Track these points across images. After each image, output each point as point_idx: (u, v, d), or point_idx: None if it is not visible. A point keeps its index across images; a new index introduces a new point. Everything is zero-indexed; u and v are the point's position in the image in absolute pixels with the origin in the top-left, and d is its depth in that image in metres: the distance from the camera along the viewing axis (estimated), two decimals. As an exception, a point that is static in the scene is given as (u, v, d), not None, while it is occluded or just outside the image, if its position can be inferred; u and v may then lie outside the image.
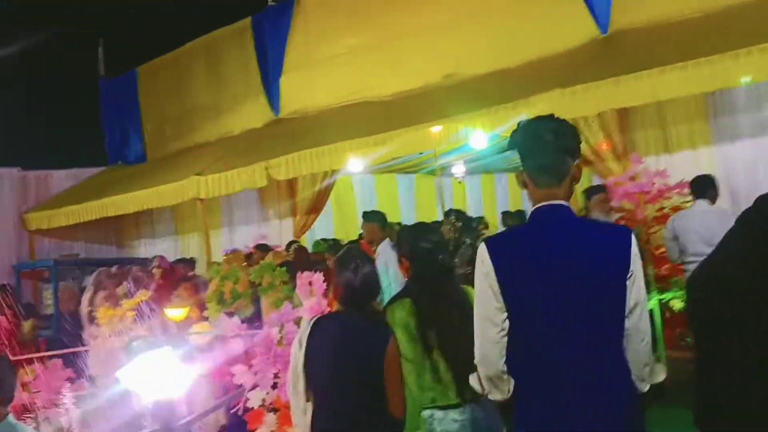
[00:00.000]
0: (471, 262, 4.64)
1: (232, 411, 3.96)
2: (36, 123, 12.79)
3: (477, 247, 2.39)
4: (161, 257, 9.26)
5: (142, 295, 7.85)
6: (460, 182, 12.88)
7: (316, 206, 10.58)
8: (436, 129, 7.85)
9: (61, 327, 10.65)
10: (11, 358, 7.50)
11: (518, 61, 8.62)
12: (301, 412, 3.14)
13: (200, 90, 12.49)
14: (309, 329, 3.15)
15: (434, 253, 3.26)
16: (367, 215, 7.03)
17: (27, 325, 9.86)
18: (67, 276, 11.56)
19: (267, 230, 11.31)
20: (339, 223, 12.27)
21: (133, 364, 3.08)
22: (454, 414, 3.05)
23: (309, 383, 3.12)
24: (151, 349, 3.21)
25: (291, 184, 10.75)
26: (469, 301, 2.73)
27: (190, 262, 9.94)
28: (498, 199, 14.20)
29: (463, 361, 2.62)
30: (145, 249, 13.31)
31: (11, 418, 3.05)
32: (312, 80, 10.78)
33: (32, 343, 9.53)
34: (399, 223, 8.52)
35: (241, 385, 3.88)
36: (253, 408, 4.17)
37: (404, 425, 3.04)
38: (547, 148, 2.35)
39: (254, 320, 6.66)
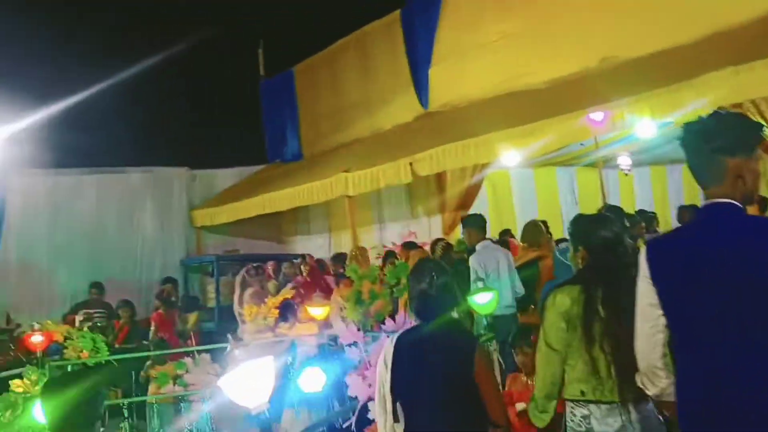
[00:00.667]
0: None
1: (345, 425, 3.70)
2: (203, 124, 13.48)
3: (632, 248, 2.48)
4: (309, 255, 9.33)
5: (286, 292, 7.90)
6: (626, 175, 11.88)
7: (465, 202, 10.17)
8: (595, 116, 7.15)
9: (222, 320, 11.15)
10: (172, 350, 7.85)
11: (684, 40, 7.66)
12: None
13: (352, 86, 12.50)
14: (393, 347, 2.88)
15: (612, 243, 3.19)
16: (465, 221, 7.14)
17: (191, 317, 10.34)
18: (228, 271, 12.05)
19: (416, 227, 11.09)
20: (495, 219, 11.70)
21: (234, 373, 2.92)
22: (607, 411, 2.93)
23: (399, 403, 2.97)
24: (251, 357, 3.04)
25: (440, 180, 10.43)
26: None
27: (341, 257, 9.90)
28: (670, 192, 12.98)
29: (625, 358, 2.60)
30: (301, 245, 13.60)
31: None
32: (461, 70, 10.37)
33: (195, 335, 9.98)
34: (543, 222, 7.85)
35: (355, 397, 3.60)
36: (374, 421, 3.89)
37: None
38: (696, 151, 2.35)
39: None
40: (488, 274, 6.25)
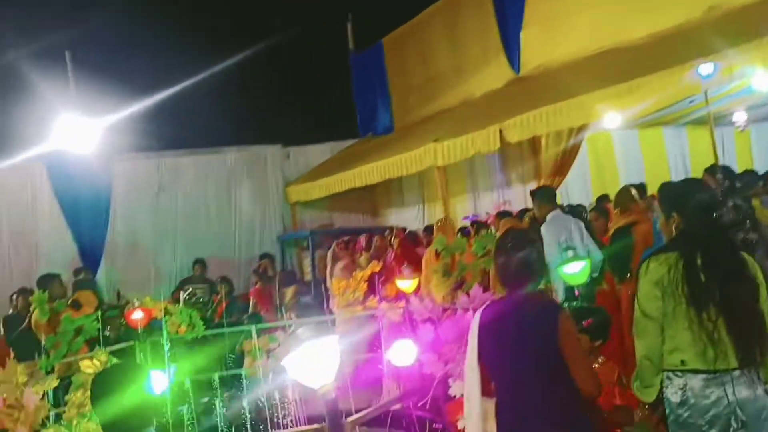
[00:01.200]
0: (733, 225, 3.88)
1: (420, 404, 3.56)
2: (296, 101, 13.59)
3: (743, 209, 2.39)
4: (399, 227, 9.21)
5: (374, 266, 7.82)
6: (742, 132, 11.03)
7: (561, 168, 9.72)
8: (704, 69, 6.56)
9: (318, 293, 11.26)
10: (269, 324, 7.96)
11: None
12: (477, 408, 2.84)
13: (441, 55, 12.20)
14: (478, 319, 2.69)
15: (708, 206, 3.04)
16: (534, 193, 6.89)
17: (289, 292, 10.49)
18: (324, 245, 12.15)
19: (511, 196, 10.76)
20: (598, 184, 11.20)
21: (298, 352, 2.82)
22: (707, 381, 2.82)
23: (488, 376, 2.85)
24: (317, 336, 2.94)
25: (534, 146, 10.03)
26: (748, 267, 2.77)
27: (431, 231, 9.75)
28: (795, 148, 11.96)
29: (738, 322, 2.56)
30: (395, 217, 13.54)
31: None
32: (554, 32, 9.85)
33: (293, 309, 10.12)
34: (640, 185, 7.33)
35: (431, 374, 3.45)
36: (454, 397, 3.74)
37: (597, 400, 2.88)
38: None
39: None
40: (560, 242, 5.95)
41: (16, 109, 10.34)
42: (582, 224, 6.45)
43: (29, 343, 6.89)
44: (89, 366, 3.61)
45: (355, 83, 14.57)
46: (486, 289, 4.66)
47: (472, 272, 6.17)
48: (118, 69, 11.26)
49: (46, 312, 6.35)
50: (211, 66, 12.15)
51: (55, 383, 3.81)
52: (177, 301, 10.67)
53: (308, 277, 11.97)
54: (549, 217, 6.42)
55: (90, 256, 11.11)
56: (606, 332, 3.72)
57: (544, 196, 6.66)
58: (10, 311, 8.75)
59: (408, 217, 13.13)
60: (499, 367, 2.82)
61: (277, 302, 9.93)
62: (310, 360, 2.82)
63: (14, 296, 8.90)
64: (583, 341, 3.26)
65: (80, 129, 10.69)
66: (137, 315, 7.48)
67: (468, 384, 2.79)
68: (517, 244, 3.02)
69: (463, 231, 8.61)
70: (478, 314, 2.87)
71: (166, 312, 7.56)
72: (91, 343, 7.20)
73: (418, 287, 7.37)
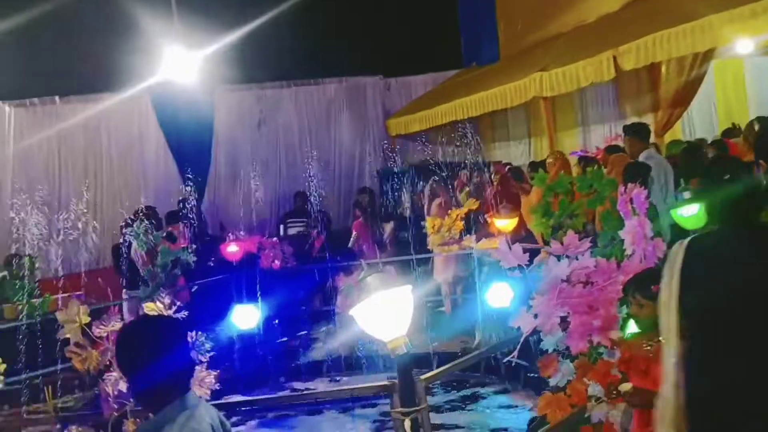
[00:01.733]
0: None
1: (506, 359, 3.24)
2: (398, 30, 13.09)
3: None
4: (501, 163, 8.74)
5: (471, 204, 7.46)
6: None
7: (683, 98, 8.83)
8: None
9: (417, 230, 11.04)
10: (367, 261, 7.81)
11: None
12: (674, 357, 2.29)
13: (553, -25, 11.32)
14: (682, 253, 2.26)
15: None
16: (626, 128, 6.63)
17: (387, 227, 10.33)
18: (423, 179, 11.84)
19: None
20: (725, 116, 10.22)
21: (367, 302, 2.58)
22: None
23: (686, 321, 2.28)
24: (385, 285, 2.67)
25: (653, 74, 9.16)
26: None
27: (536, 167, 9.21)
28: None
29: None
30: (499, 152, 13.00)
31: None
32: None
33: (392, 245, 9.97)
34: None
35: (518, 328, 3.12)
36: (547, 352, 3.40)
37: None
38: None
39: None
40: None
41: (121, 43, 10.46)
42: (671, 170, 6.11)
43: (134, 274, 7.10)
44: (153, 309, 3.52)
45: (460, 10, 13.89)
46: (585, 235, 4.22)
47: (578, 213, 5.69)
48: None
49: (143, 243, 6.45)
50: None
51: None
52: (278, 234, 10.83)
53: (407, 212, 11.72)
54: (643, 156, 6.00)
55: (194, 186, 11.30)
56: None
57: (638, 132, 6.30)
58: (121, 240, 9.04)
59: (514, 153, 12.57)
60: (707, 310, 2.29)
61: (377, 237, 9.81)
62: (379, 311, 2.58)
63: (122, 227, 9.22)
64: (649, 309, 2.72)
65: (183, 60, 10.78)
66: (232, 248, 7.57)
67: (665, 325, 2.30)
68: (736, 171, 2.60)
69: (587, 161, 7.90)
70: (682, 244, 2.34)
71: (260, 247, 7.62)
72: (188, 275, 7.40)
73: (518, 227, 6.98)
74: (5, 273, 9.13)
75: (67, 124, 10.58)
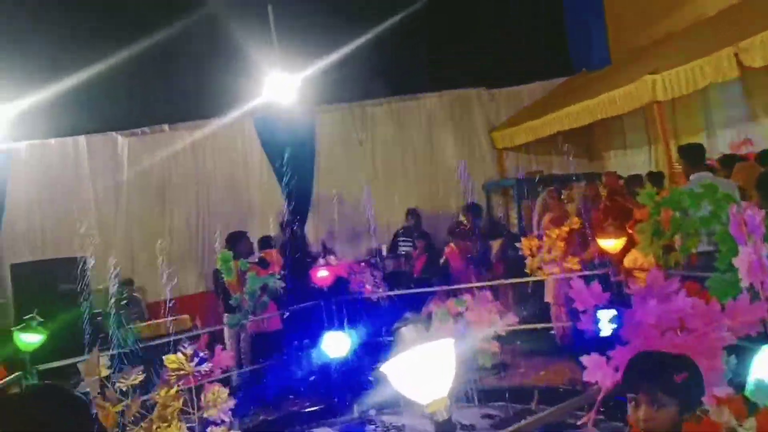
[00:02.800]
0: None
1: (580, 422, 2.75)
2: (502, 39, 12.58)
3: None
4: (611, 173, 8.04)
5: (573, 222, 6.87)
6: None
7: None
8: None
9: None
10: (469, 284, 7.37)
11: None
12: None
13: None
14: None
15: None
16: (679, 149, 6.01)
17: (495, 244, 9.84)
18: (532, 193, 11.25)
19: (755, 132, 9.01)
20: None
21: (402, 357, 2.21)
22: None
23: None
24: (422, 338, 2.29)
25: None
26: None
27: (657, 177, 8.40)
28: None
29: None
30: (616, 162, 12.18)
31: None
32: None
33: (499, 263, 9.45)
34: None
35: (594, 383, 2.63)
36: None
37: None
38: None
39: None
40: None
41: (224, 69, 10.68)
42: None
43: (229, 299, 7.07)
44: (174, 361, 3.31)
45: (567, 14, 13.21)
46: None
47: (688, 232, 5.03)
48: (315, 21, 11.12)
49: (229, 270, 6.38)
50: (407, 6, 11.63)
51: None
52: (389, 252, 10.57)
53: (515, 228, 11.17)
54: (693, 177, 5.51)
55: (297, 208, 11.32)
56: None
57: (687, 154, 5.81)
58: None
59: (633, 161, 11.69)
60: None
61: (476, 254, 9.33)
62: (416, 369, 2.21)
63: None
64: None
65: (284, 83, 10.86)
66: (322, 273, 7.38)
67: None
68: None
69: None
70: None
71: (351, 271, 7.38)
72: (279, 300, 7.28)
73: (626, 248, 6.33)
74: (118, 296, 9.47)
75: (175, 151, 10.89)
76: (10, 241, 9.93)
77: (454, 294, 6.86)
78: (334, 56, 11.00)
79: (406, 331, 2.33)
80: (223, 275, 6.58)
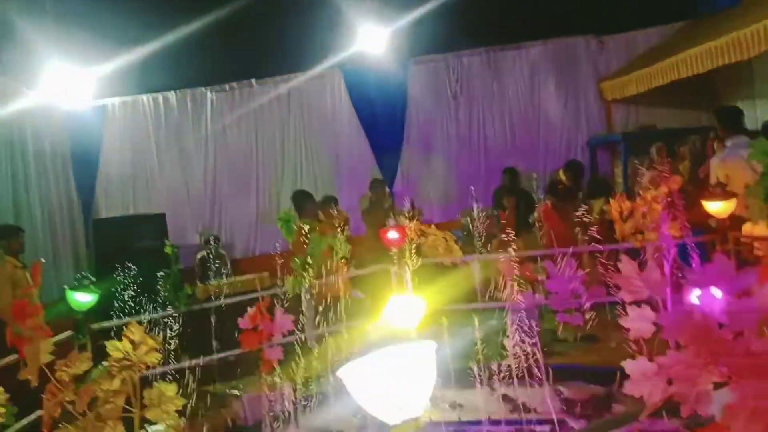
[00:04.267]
0: None
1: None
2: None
3: None
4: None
5: (675, 181, 5.97)
6: None
7: None
8: None
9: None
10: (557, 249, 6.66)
11: None
12: None
13: None
14: None
15: None
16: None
17: (596, 204, 9.00)
18: (642, 150, 10.22)
19: None
20: None
21: (363, 363, 1.71)
22: None
23: None
24: (395, 339, 1.77)
25: None
26: None
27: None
28: None
29: None
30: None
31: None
32: None
33: (601, 226, 8.63)
34: None
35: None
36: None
37: None
38: None
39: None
40: None
41: (312, 21, 10.28)
42: None
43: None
44: (117, 349, 2.91)
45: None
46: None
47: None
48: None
49: (290, 231, 6.05)
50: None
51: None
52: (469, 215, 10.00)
53: (620, 188, 10.22)
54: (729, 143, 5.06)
55: (386, 164, 10.90)
56: None
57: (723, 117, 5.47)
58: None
59: (762, 113, 10.35)
60: None
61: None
62: (381, 379, 1.70)
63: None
64: None
65: (375, 34, 10.35)
66: (392, 235, 6.91)
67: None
68: None
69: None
70: None
71: (422, 233, 6.86)
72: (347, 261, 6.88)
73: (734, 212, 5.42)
74: (204, 253, 9.46)
75: (261, 106, 10.71)
76: (105, 196, 10.16)
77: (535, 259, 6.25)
78: (430, 4, 10.34)
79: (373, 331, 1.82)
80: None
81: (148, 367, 3.03)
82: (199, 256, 9.47)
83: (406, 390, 1.68)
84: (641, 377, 2.01)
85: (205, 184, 10.61)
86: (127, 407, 3.00)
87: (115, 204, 10.15)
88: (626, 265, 2.14)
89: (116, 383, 2.86)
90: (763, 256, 4.63)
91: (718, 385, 1.95)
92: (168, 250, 5.97)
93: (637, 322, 2.14)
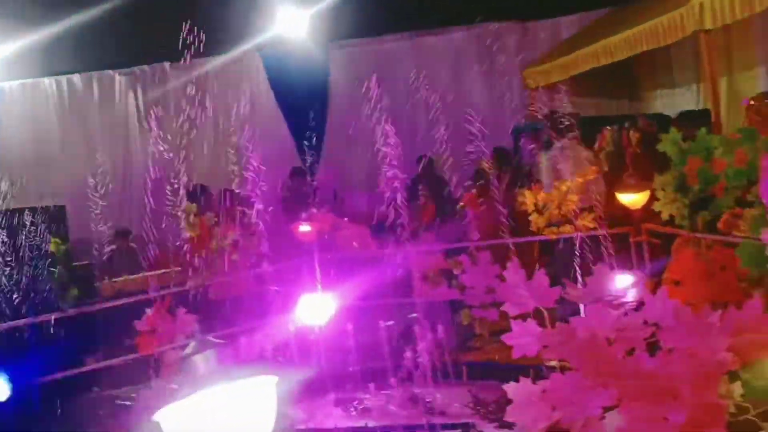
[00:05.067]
0: None
1: None
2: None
3: None
4: (642, 116, 6.98)
5: (589, 172, 5.87)
6: None
7: None
8: None
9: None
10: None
11: None
12: None
13: None
14: None
15: None
16: None
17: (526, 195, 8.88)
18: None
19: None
20: None
21: (188, 402, 1.43)
22: None
23: None
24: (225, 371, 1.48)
25: None
26: None
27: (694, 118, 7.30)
28: None
29: None
30: (661, 102, 10.96)
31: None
32: None
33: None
34: None
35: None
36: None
37: None
38: None
39: None
40: None
41: (227, 1, 9.83)
42: None
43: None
44: None
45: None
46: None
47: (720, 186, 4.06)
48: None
49: (192, 225, 5.69)
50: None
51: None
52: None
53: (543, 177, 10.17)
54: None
55: (308, 152, 10.55)
56: None
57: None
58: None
59: (680, 102, 10.48)
60: None
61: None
62: (210, 421, 1.42)
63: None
64: None
65: (295, 16, 9.99)
66: (304, 228, 6.63)
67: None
68: None
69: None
70: None
71: (335, 227, 6.59)
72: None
73: (649, 204, 5.34)
74: (113, 247, 8.98)
75: (175, 90, 10.20)
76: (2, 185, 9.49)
77: (452, 253, 6.06)
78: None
79: (199, 360, 1.55)
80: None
81: None
82: (107, 250, 8.96)
83: (237, 436, 1.40)
84: (524, 401, 1.79)
85: (115, 172, 10.04)
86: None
87: (15, 193, 9.49)
88: (511, 273, 1.91)
89: None
90: (675, 248, 4.55)
91: (607, 409, 1.74)
92: (53, 247, 5.52)
93: (522, 337, 1.92)
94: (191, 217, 5.73)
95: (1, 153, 9.43)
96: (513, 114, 11.27)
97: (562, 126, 8.94)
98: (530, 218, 6.11)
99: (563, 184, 5.75)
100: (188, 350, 2.09)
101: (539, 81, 10.93)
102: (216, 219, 5.96)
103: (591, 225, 5.42)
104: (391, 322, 6.37)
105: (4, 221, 6.97)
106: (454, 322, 5.88)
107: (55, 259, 5.52)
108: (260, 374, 1.43)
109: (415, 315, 5.96)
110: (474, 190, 8.01)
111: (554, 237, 5.76)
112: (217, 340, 4.32)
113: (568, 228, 5.60)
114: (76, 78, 9.91)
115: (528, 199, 6.12)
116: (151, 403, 4.94)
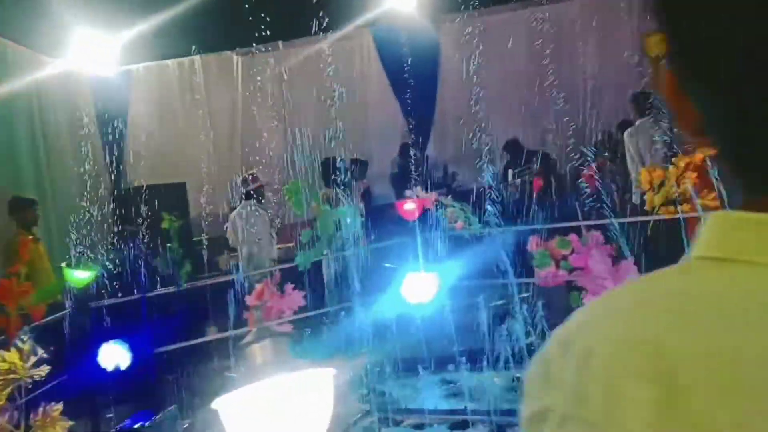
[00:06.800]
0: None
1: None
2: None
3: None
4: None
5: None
6: None
7: None
8: None
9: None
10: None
11: None
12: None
13: None
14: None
15: None
16: None
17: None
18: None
19: None
20: None
21: (247, 390, 1.43)
22: None
23: None
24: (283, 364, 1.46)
25: None
26: None
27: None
28: None
29: None
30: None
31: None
32: None
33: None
34: None
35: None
36: None
37: None
38: None
39: None
40: None
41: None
42: None
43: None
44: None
45: None
46: None
47: None
48: None
49: (298, 203, 5.79)
50: None
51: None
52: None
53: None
54: None
55: (418, 129, 10.52)
56: None
57: None
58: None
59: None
60: None
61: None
62: (270, 410, 1.42)
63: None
64: None
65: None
66: (409, 206, 6.59)
67: None
68: None
69: None
70: None
71: (439, 204, 6.51)
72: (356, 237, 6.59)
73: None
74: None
75: (290, 69, 10.42)
76: (133, 165, 10.09)
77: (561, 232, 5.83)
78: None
79: (258, 346, 1.55)
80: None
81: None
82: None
83: (294, 427, 1.40)
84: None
85: (232, 150, 10.44)
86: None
87: (144, 173, 10.08)
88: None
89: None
90: None
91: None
92: (166, 224, 5.79)
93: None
94: (294, 196, 5.83)
95: (133, 133, 10.03)
96: (633, 83, 10.72)
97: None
98: (644, 197, 5.76)
99: (682, 160, 5.37)
100: (248, 338, 2.11)
101: (663, 48, 10.28)
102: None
103: (713, 204, 5.03)
104: (500, 302, 6.31)
105: (130, 198, 7.40)
106: (564, 304, 5.68)
107: (169, 236, 5.80)
108: (318, 367, 1.42)
109: (524, 295, 5.85)
110: (593, 165, 7.69)
111: (668, 217, 5.40)
112: (280, 329, 4.37)
113: (686, 207, 5.23)
114: (197, 59, 10.33)
115: (643, 176, 5.76)
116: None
